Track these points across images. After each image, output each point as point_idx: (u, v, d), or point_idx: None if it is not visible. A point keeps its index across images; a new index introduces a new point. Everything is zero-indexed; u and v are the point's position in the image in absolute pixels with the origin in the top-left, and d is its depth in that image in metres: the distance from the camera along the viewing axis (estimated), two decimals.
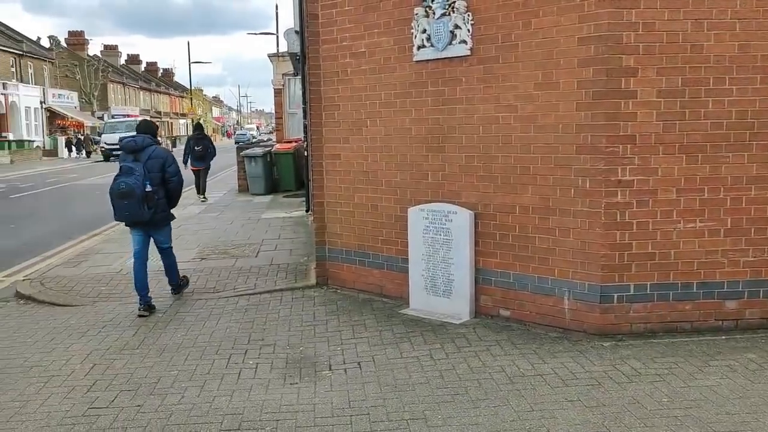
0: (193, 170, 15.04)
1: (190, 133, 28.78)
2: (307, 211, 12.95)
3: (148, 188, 6.51)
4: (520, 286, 5.75)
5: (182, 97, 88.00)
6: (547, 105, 5.43)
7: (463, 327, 5.76)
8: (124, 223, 7.12)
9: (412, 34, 6.14)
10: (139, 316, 6.53)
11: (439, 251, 6.11)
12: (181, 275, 7.41)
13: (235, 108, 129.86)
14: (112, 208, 6.73)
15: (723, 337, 5.23)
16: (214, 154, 16.05)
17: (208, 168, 16.17)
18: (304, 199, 13.93)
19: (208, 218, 13.29)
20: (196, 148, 15.18)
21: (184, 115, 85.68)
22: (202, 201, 15.78)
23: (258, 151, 17.40)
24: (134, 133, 6.94)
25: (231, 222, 12.58)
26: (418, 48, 6.12)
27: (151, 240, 6.98)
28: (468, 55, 5.82)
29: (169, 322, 6.30)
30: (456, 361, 4.98)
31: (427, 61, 6.10)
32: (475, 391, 4.42)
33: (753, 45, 5.10)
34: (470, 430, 3.89)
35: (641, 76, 5.13)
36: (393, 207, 6.54)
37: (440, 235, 6.08)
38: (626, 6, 5.06)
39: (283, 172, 17.40)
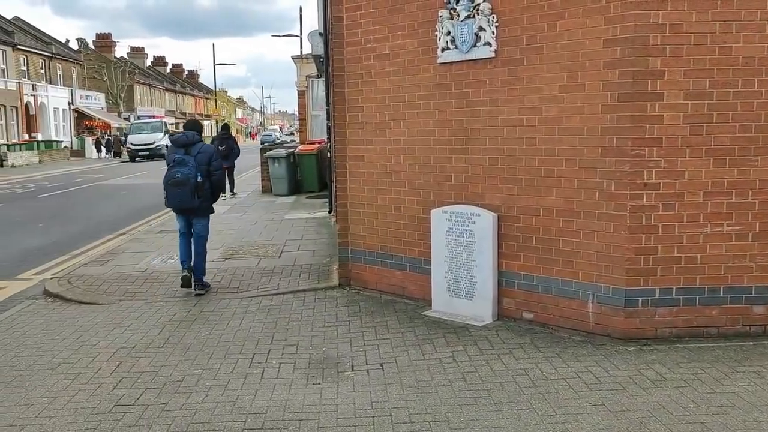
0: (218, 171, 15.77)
1: (215, 133, 29.27)
2: (329, 212, 13.01)
3: (199, 179, 7.23)
4: (544, 289, 5.72)
5: (207, 98, 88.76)
6: (572, 107, 5.40)
7: (486, 329, 5.74)
8: (172, 210, 7.77)
9: (437, 36, 6.15)
10: (182, 286, 7.43)
11: (462, 253, 6.10)
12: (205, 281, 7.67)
13: (259, 109, 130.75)
14: (164, 195, 7.43)
15: (750, 343, 5.16)
16: (238, 154, 16.77)
17: (233, 167, 16.77)
18: (326, 200, 13.98)
19: (232, 218, 13.40)
20: (220, 147, 15.55)
21: (208, 116, 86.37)
22: (232, 196, 16.75)
23: (281, 152, 17.50)
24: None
25: (254, 222, 12.68)
26: (442, 50, 6.12)
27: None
28: (492, 57, 5.81)
29: (193, 321, 6.37)
30: (478, 363, 4.96)
31: (451, 63, 6.09)
32: (498, 394, 4.41)
33: None
34: None
35: (668, 78, 5.07)
36: (416, 208, 6.55)
37: (463, 237, 6.07)
38: (653, 8, 5.02)
39: (306, 174, 17.48)
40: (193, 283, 7.41)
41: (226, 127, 17.82)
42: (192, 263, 7.51)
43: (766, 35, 5.01)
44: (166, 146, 43.32)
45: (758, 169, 5.14)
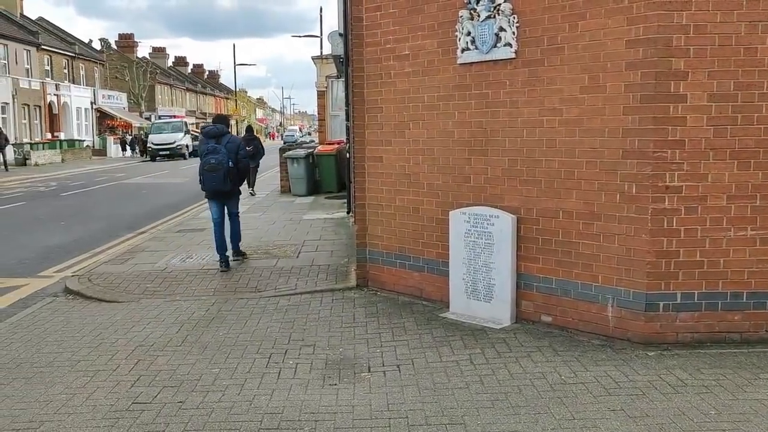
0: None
1: (236, 132, 29.79)
2: (348, 212, 13.01)
3: (230, 164, 8.33)
4: (563, 292, 5.66)
5: (227, 98, 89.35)
6: (593, 108, 5.34)
7: (504, 332, 5.70)
8: (206, 195, 8.85)
9: (457, 36, 6.12)
10: (221, 271, 8.42)
11: (480, 255, 6.06)
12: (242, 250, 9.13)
13: (279, 109, 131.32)
14: (200, 180, 8.51)
15: None
16: (263, 153, 17.51)
17: (257, 166, 17.39)
18: (345, 200, 13.99)
19: (250, 218, 13.45)
20: (247, 147, 15.96)
21: (228, 116, 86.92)
22: (251, 195, 17.32)
23: (300, 152, 17.55)
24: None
25: (273, 222, 12.72)
26: (462, 50, 6.09)
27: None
28: (513, 58, 5.77)
29: (211, 320, 6.40)
30: (496, 366, 4.93)
31: (471, 63, 6.06)
32: (516, 397, 4.37)
33: None
34: None
35: (691, 80, 5.00)
36: (434, 210, 6.52)
37: (482, 239, 6.03)
38: (677, 8, 4.95)
39: (325, 174, 17.50)
40: (227, 262, 8.56)
41: (250, 129, 18.80)
42: (232, 239, 8.81)
43: None
44: (186, 146, 43.83)
45: None
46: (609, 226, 5.34)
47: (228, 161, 8.31)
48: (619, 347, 5.23)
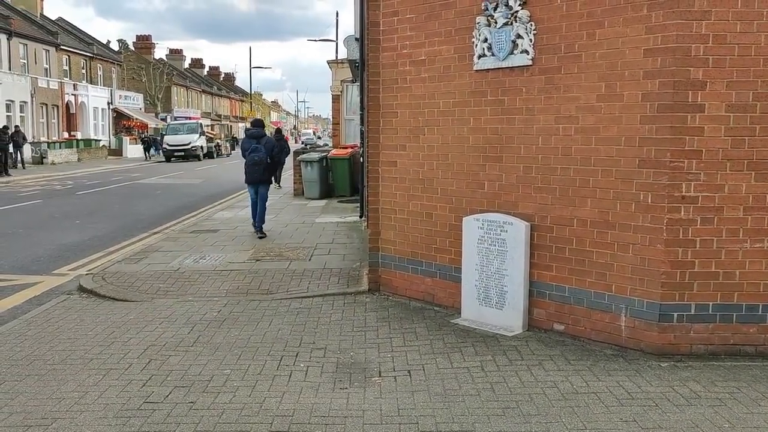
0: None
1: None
2: (360, 216, 13.02)
3: (268, 160, 11.16)
4: (576, 301, 5.63)
5: (242, 101, 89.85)
6: (609, 117, 5.32)
7: (516, 340, 5.68)
8: (246, 181, 11.42)
9: (473, 43, 6.12)
10: (259, 237, 11.17)
11: (493, 262, 6.04)
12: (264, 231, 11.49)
13: (293, 113, 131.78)
14: (245, 172, 11.28)
15: None
16: (289, 152, 20.18)
17: (283, 163, 19.55)
18: (358, 204, 14.00)
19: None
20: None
21: (243, 119, 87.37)
22: (278, 188, 19.91)
23: (314, 156, 17.61)
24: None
25: (286, 225, 12.75)
26: (479, 57, 6.08)
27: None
28: (529, 65, 5.76)
29: (223, 321, 6.42)
30: (507, 374, 4.91)
31: (488, 70, 6.05)
32: (527, 406, 4.35)
33: None
34: None
35: (710, 90, 4.97)
36: (448, 215, 6.51)
37: (495, 245, 6.02)
38: (696, 18, 4.92)
39: (338, 178, 17.54)
40: (258, 231, 11.37)
41: (279, 131, 21.57)
42: (257, 219, 11.43)
43: None
44: (201, 147, 44.12)
45: None
46: (624, 235, 5.30)
47: (266, 158, 11.10)
48: (631, 357, 5.19)
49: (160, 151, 45.67)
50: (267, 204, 11.72)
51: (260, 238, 11.12)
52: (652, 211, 5.14)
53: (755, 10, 4.88)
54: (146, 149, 45.80)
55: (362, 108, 12.26)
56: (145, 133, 50.03)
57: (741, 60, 4.93)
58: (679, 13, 4.93)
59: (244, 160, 11.34)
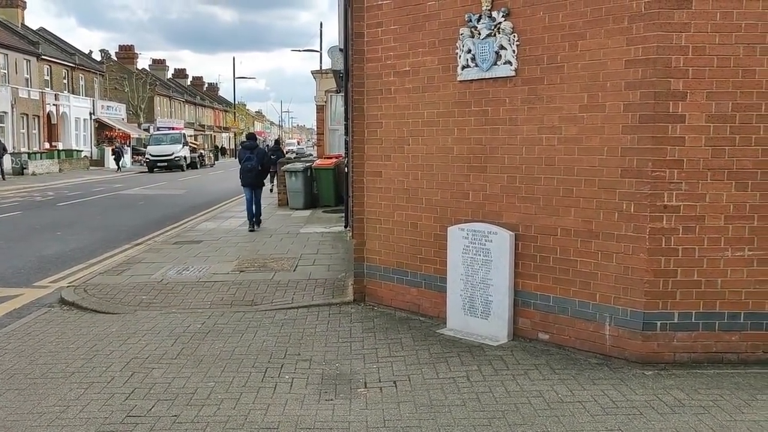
0: (270, 171, 18.79)
1: (232, 144, 31.47)
2: (345, 226, 13.00)
3: (259, 167, 13.46)
4: (560, 310, 5.66)
5: (226, 111, 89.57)
6: (592, 127, 5.37)
7: (501, 349, 5.69)
8: (242, 184, 13.57)
9: (457, 53, 6.15)
10: (250, 230, 13.30)
11: (478, 272, 6.06)
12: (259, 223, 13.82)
13: (277, 123, 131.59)
14: (240, 177, 13.52)
15: None
16: (284, 155, 21.90)
17: (276, 171, 20.02)
18: (342, 214, 14.00)
19: (247, 231, 13.44)
20: (272, 156, 19.40)
21: (227, 129, 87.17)
22: (270, 191, 20.83)
23: (299, 166, 17.59)
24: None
25: (270, 235, 12.70)
26: (463, 68, 6.12)
27: None
28: (513, 76, 5.80)
29: (207, 333, 6.37)
30: (493, 384, 4.91)
31: (471, 81, 6.09)
32: (513, 415, 4.35)
33: None
34: None
35: (690, 101, 5.03)
36: (433, 225, 6.53)
37: (480, 255, 6.04)
38: (676, 30, 4.99)
39: (323, 188, 17.52)
40: (254, 225, 13.50)
41: (277, 142, 25.01)
42: (254, 214, 13.55)
43: None
44: (185, 158, 44.01)
45: None
46: (607, 245, 5.34)
47: (258, 166, 13.37)
48: (616, 366, 5.21)
49: (128, 161, 44.58)
50: (240, 227, 13.78)
51: (250, 231, 13.25)
52: (634, 220, 5.18)
53: (733, 22, 4.96)
54: (117, 159, 44.18)
55: (347, 118, 12.27)
56: (117, 144, 49.22)
57: (720, 71, 5.00)
58: (660, 25, 4.99)
59: (240, 167, 13.69)
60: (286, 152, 25.58)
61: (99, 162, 47.42)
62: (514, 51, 5.77)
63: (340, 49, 12.64)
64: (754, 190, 5.08)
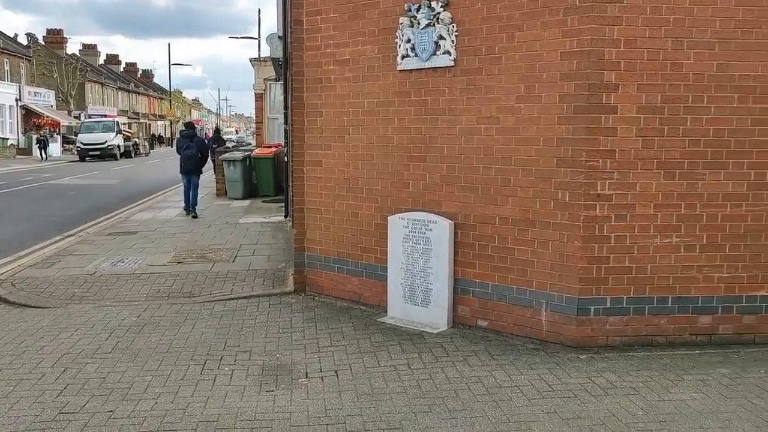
0: (212, 159, 19.12)
1: (169, 133, 30.85)
2: (285, 216, 12.90)
3: (199, 155, 13.92)
4: (498, 297, 5.77)
5: (161, 98, 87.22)
6: (528, 118, 5.47)
7: (441, 337, 5.76)
8: (181, 172, 14.04)
9: (397, 43, 6.16)
10: (193, 217, 13.60)
11: (418, 260, 6.11)
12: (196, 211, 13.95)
13: (215, 111, 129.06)
14: (180, 164, 13.95)
15: (697, 352, 5.30)
16: (224, 144, 22.58)
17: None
18: (282, 204, 13.87)
19: (184, 221, 13.17)
20: (213, 145, 19.84)
21: (162, 117, 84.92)
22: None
23: (237, 155, 17.32)
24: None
25: (208, 226, 12.48)
26: (402, 57, 6.14)
27: None
28: (452, 66, 5.85)
29: (143, 326, 6.22)
30: (434, 371, 4.97)
31: (411, 70, 6.11)
32: (453, 401, 4.42)
33: (731, 65, 5.19)
34: None
35: (622, 92, 5.19)
36: (373, 215, 6.54)
37: (420, 244, 6.09)
38: (608, 23, 5.13)
39: (262, 177, 17.31)
40: (191, 212, 13.76)
41: (217, 131, 25.20)
42: (191, 202, 13.90)
43: (715, 53, 5.18)
44: (118, 146, 42.66)
45: (706, 183, 5.30)
46: (543, 233, 5.47)
47: (197, 153, 13.83)
48: (552, 351, 5.36)
49: (54, 150, 42.58)
50: (177, 215, 14.03)
51: (194, 218, 13.47)
52: (569, 208, 5.32)
53: (662, 16, 5.13)
54: (42, 148, 42.00)
55: (286, 107, 12.14)
56: (42, 131, 47.08)
57: (650, 64, 5.17)
58: (593, 18, 5.12)
59: (179, 155, 14.13)
60: (225, 141, 25.59)
61: (26, 151, 45.39)
62: (453, 41, 5.81)
63: (279, 37, 12.48)
64: (681, 179, 5.29)
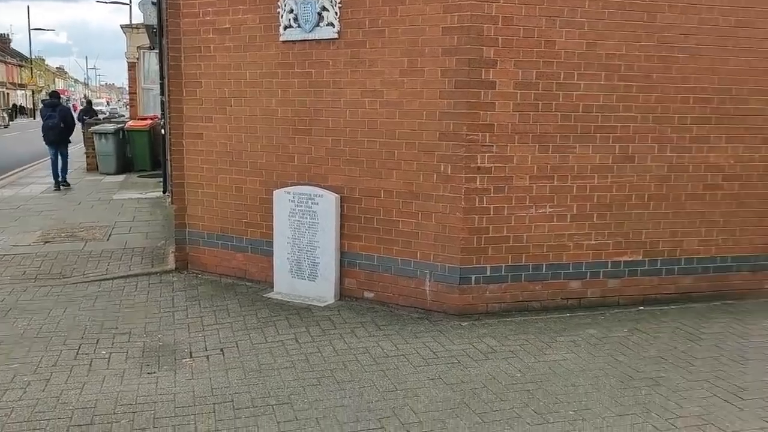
0: (83, 131, 18.55)
1: (31, 104, 29.38)
2: (164, 192, 12.39)
3: (62, 125, 13.55)
4: (384, 269, 5.86)
5: (21, 66, 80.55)
6: (412, 92, 5.54)
7: (328, 310, 5.78)
8: (45, 142, 13.69)
9: (279, 13, 6.02)
10: (63, 186, 13.57)
11: (304, 234, 6.07)
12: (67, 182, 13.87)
13: (83, 81, 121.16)
14: (43, 134, 13.61)
15: (568, 315, 5.65)
16: (96, 115, 22.03)
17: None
18: (160, 179, 13.29)
19: (51, 198, 12.33)
20: (84, 117, 19.88)
21: (23, 86, 78.57)
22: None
23: (109, 127, 16.35)
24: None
25: (78, 203, 11.75)
26: (285, 28, 6.01)
27: None
28: (335, 38, 5.80)
29: (7, 311, 5.79)
30: (321, 344, 4.99)
31: (294, 41, 6.00)
32: (341, 373, 4.46)
33: (599, 44, 5.50)
34: (336, 412, 3.92)
35: (500, 68, 5.36)
36: (258, 189, 6.41)
37: (306, 218, 6.05)
38: None
39: (138, 151, 16.48)
40: (60, 185, 13.53)
41: (89, 102, 24.41)
42: (60, 174, 13.60)
43: (585, 32, 5.46)
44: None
45: (576, 156, 5.61)
46: (427, 205, 5.59)
47: (60, 123, 13.46)
48: (436, 319, 5.53)
49: None
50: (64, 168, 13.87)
51: (64, 188, 13.51)
52: (451, 181, 5.47)
53: None
54: None
55: (162, 77, 11.56)
56: None
57: (526, 41, 5.37)
58: None
59: (42, 125, 13.81)
60: (97, 113, 24.52)
61: None
62: (336, 13, 5.75)
63: (153, 3, 11.84)
64: (554, 152, 5.57)
